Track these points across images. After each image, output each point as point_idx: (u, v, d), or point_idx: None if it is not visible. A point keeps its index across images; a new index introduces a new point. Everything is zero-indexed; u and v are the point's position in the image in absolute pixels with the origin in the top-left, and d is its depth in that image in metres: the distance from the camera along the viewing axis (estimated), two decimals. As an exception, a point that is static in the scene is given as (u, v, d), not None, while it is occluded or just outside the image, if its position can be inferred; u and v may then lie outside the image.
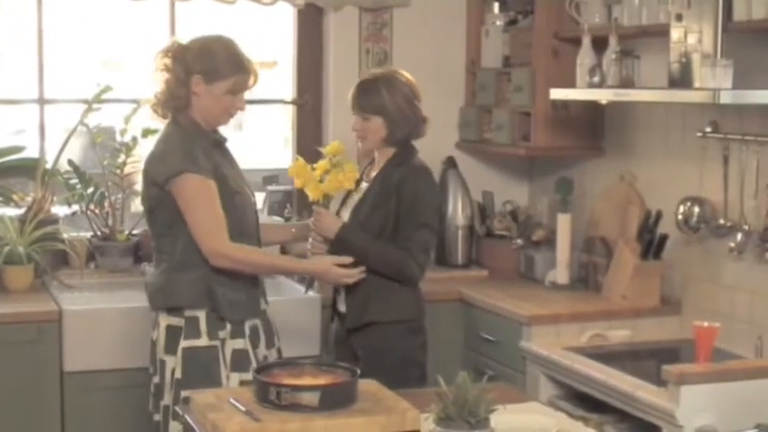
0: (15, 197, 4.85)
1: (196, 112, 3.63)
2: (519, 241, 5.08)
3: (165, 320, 3.62)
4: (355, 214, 3.93)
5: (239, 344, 3.61)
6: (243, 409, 2.92)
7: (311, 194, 3.91)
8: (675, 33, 3.94)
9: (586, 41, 4.44)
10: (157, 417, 3.68)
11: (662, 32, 4.05)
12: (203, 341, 3.58)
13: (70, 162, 4.89)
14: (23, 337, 4.20)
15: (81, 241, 4.84)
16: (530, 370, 4.26)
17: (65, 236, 4.74)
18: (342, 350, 3.96)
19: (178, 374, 3.59)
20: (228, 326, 3.60)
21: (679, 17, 3.92)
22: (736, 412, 3.49)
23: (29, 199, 4.80)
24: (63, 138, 4.82)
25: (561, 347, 4.18)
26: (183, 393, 3.51)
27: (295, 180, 3.98)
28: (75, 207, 4.89)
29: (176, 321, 3.60)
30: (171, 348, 3.60)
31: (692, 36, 3.87)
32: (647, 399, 3.61)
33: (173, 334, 3.60)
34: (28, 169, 4.84)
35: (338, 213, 4.01)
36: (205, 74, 3.59)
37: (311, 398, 2.91)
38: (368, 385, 3.14)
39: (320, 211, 3.94)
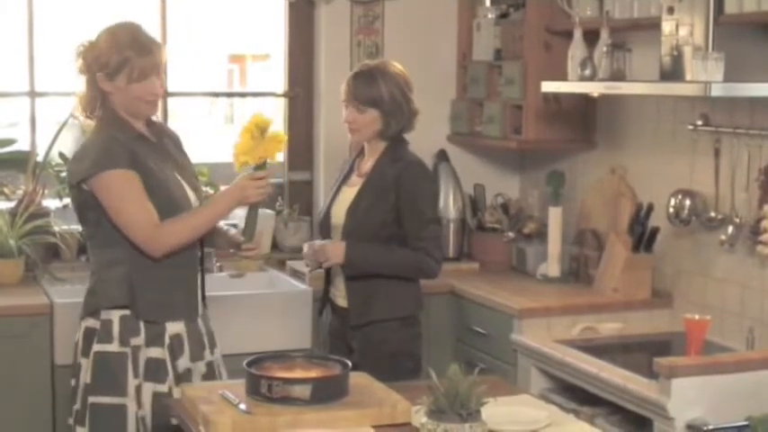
0: (6, 190, 4.84)
1: (116, 106, 3.48)
2: (510, 234, 5.09)
3: (84, 322, 3.49)
4: (353, 210, 3.89)
5: (155, 353, 3.43)
6: (234, 401, 2.92)
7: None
8: (667, 26, 3.94)
9: (578, 34, 4.43)
10: (70, 420, 3.54)
11: (653, 25, 4.05)
12: (114, 346, 3.41)
13: (61, 155, 4.88)
14: (14, 330, 4.20)
15: (72, 234, 4.83)
16: (521, 363, 4.27)
17: (56, 229, 4.73)
18: (337, 343, 3.95)
19: (87, 379, 3.44)
20: (143, 332, 3.42)
21: (670, 10, 3.92)
22: (727, 405, 3.50)
23: (20, 192, 4.80)
24: (54, 130, 4.81)
25: (552, 340, 4.18)
26: (91, 399, 3.42)
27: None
28: (67, 200, 4.88)
29: (92, 323, 3.46)
30: (86, 351, 3.47)
31: (683, 29, 3.88)
32: (638, 391, 3.62)
33: (89, 336, 3.46)
34: (19, 162, 4.84)
35: (330, 208, 3.99)
36: (105, 71, 3.43)
37: (303, 391, 2.91)
38: (359, 378, 3.14)
39: (317, 244, 3.89)
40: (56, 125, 4.83)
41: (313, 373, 3.03)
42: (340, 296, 3.95)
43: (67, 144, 4.96)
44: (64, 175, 4.85)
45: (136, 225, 3.40)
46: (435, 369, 2.70)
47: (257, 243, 3.64)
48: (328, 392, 2.95)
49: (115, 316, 3.43)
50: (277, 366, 3.07)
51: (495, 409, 2.76)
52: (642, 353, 4.12)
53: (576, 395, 3.95)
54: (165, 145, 3.61)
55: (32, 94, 4.93)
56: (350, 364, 3.10)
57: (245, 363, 3.09)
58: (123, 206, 3.39)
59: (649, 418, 3.58)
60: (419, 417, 2.69)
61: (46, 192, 4.83)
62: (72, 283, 4.62)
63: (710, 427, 3.44)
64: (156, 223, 3.40)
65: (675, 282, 4.48)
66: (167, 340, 3.46)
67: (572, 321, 4.33)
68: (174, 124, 5.07)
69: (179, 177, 3.55)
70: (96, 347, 3.43)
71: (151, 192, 3.41)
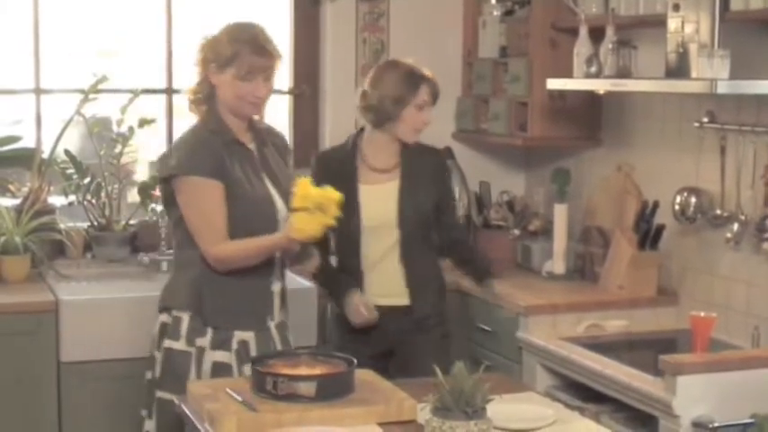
0: (12, 187, 4.84)
1: (221, 105, 3.50)
2: (516, 231, 5.08)
3: (161, 316, 3.53)
4: (404, 207, 3.89)
5: (222, 356, 3.44)
6: (240, 399, 2.92)
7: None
8: (672, 23, 3.93)
9: (583, 31, 4.43)
10: (143, 412, 3.60)
11: (659, 22, 4.05)
12: (180, 345, 3.45)
13: (67, 152, 4.88)
14: (20, 327, 4.19)
15: (78, 231, 4.84)
16: (526, 360, 4.26)
17: (62, 226, 4.74)
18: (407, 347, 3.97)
19: (157, 373, 3.51)
20: (210, 334, 3.44)
21: (676, 7, 3.91)
22: (733, 402, 3.49)
23: (25, 189, 4.80)
24: (60, 128, 4.81)
25: (558, 337, 4.18)
26: (158, 393, 3.48)
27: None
28: (72, 197, 4.89)
29: (166, 318, 3.51)
30: (159, 345, 3.52)
31: (689, 26, 3.87)
32: (643, 389, 3.62)
33: (162, 331, 3.51)
34: (24, 159, 4.84)
35: (358, 212, 3.90)
36: (217, 62, 3.45)
37: (308, 388, 2.91)
38: (365, 375, 3.14)
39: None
40: (61, 122, 4.83)
41: (318, 371, 3.04)
42: (400, 295, 3.94)
43: (73, 141, 4.97)
44: (70, 172, 4.87)
45: (201, 237, 3.42)
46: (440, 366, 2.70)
47: (315, 257, 3.66)
48: (334, 389, 2.95)
49: (185, 315, 3.46)
50: (282, 363, 3.07)
51: (500, 407, 2.76)
52: (648, 350, 4.12)
53: (582, 392, 3.94)
54: (263, 153, 3.58)
55: (38, 92, 4.93)
56: (355, 361, 3.10)
57: (250, 360, 3.09)
58: (194, 215, 3.42)
59: (655, 415, 3.57)
60: (424, 414, 2.69)
61: (51, 189, 4.83)
62: (78, 281, 4.63)
63: (716, 424, 3.43)
64: (219, 240, 3.40)
65: (681, 279, 4.48)
66: (235, 345, 3.45)
67: (577, 319, 4.32)
68: (179, 121, 5.09)
69: (270, 188, 3.53)
70: (166, 343, 3.48)
71: (233, 203, 3.42)
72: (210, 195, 3.40)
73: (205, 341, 3.44)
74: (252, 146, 3.56)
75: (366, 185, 3.93)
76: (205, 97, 3.52)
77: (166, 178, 3.46)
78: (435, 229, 4.00)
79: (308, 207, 3.26)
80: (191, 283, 3.47)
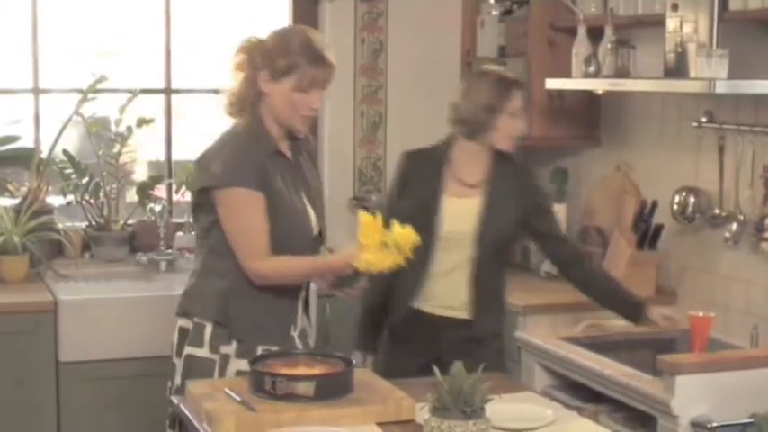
0: (10, 187, 4.84)
1: (267, 112, 3.33)
2: (514, 231, 5.08)
3: (179, 321, 3.42)
4: (483, 224, 3.76)
5: (246, 365, 3.17)
6: (238, 398, 2.92)
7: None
8: (671, 23, 3.94)
9: (582, 31, 4.43)
10: (167, 422, 3.45)
11: (657, 22, 4.05)
12: (204, 352, 3.32)
13: (65, 152, 4.89)
14: (19, 327, 4.20)
15: (76, 231, 4.84)
16: (525, 360, 4.26)
17: (60, 226, 4.74)
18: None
19: (177, 381, 3.36)
20: (234, 342, 3.31)
21: (675, 7, 3.92)
22: (732, 402, 3.49)
23: (24, 189, 4.81)
24: (58, 128, 4.82)
25: (556, 337, 4.18)
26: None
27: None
28: (71, 197, 4.89)
29: (185, 323, 3.39)
30: (179, 352, 3.40)
31: (687, 26, 3.87)
32: (642, 388, 3.61)
33: (182, 337, 3.40)
34: (23, 159, 4.84)
35: (439, 222, 3.77)
36: (271, 70, 3.28)
37: (307, 388, 2.91)
38: (363, 375, 3.14)
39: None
40: (60, 122, 4.83)
41: (317, 370, 3.03)
42: (458, 307, 3.83)
43: (71, 141, 4.97)
44: (68, 171, 4.87)
45: (241, 251, 3.29)
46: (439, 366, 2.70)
47: (362, 283, 3.50)
48: (332, 389, 2.94)
49: (209, 321, 3.34)
50: (281, 363, 3.06)
51: (498, 406, 2.76)
52: (646, 350, 4.12)
53: (580, 392, 3.94)
54: (299, 162, 3.47)
55: (36, 91, 4.93)
56: (354, 361, 3.10)
57: (249, 360, 3.09)
58: (236, 228, 3.28)
59: (653, 415, 3.57)
60: (423, 414, 2.69)
61: (50, 189, 4.84)
62: (76, 280, 4.63)
63: (714, 424, 3.43)
64: (261, 255, 3.28)
65: (680, 279, 4.48)
66: (259, 353, 3.31)
67: (576, 318, 4.32)
68: (177, 121, 5.09)
69: (305, 199, 3.42)
70: (187, 350, 3.35)
71: (273, 214, 3.30)
72: (254, 208, 3.27)
73: (230, 349, 3.33)
74: (289, 154, 3.43)
75: (450, 197, 3.80)
76: (249, 103, 3.36)
77: (206, 189, 3.32)
78: (542, 249, 3.98)
79: (385, 242, 3.14)
80: (218, 293, 3.34)
